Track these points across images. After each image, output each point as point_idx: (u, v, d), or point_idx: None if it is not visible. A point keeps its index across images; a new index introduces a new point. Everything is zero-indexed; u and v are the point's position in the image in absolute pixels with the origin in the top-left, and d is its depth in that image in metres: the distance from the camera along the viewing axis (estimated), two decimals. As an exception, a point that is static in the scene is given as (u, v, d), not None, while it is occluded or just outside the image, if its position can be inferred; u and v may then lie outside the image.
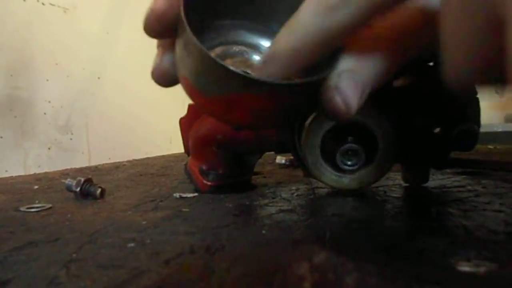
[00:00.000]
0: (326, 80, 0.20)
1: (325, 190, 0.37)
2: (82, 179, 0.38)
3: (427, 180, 0.37)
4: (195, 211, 0.31)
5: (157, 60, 0.23)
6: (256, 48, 0.26)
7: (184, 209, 0.32)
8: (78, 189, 0.38)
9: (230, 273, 0.18)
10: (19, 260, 0.21)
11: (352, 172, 0.32)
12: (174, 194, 0.38)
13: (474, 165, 0.44)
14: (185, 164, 0.43)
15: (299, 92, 0.20)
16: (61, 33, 0.98)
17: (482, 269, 0.17)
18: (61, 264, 0.20)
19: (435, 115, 0.33)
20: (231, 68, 0.18)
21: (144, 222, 0.28)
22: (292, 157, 0.45)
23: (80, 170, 0.68)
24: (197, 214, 0.30)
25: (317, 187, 0.38)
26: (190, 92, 0.21)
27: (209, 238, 0.23)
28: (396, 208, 0.29)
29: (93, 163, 0.87)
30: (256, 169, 0.45)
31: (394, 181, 0.39)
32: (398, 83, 0.33)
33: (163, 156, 0.93)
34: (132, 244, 0.23)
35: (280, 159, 0.60)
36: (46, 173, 0.67)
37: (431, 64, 0.31)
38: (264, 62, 0.20)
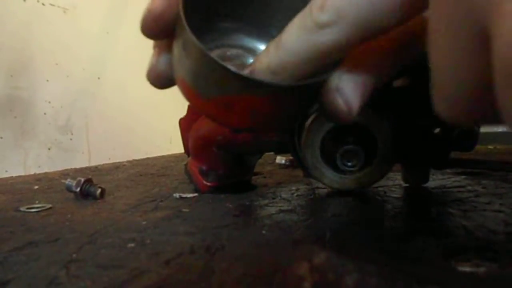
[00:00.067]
0: (327, 82, 0.20)
1: (325, 190, 0.37)
2: (82, 179, 0.39)
3: (427, 180, 0.37)
4: (195, 211, 0.31)
5: (153, 61, 0.22)
6: (253, 52, 0.26)
7: (184, 209, 0.32)
8: (78, 189, 0.38)
9: (230, 273, 0.18)
10: (19, 260, 0.21)
11: (352, 172, 0.32)
12: (174, 194, 0.38)
13: (474, 165, 0.44)
14: (185, 165, 0.43)
15: (300, 94, 0.20)
16: (61, 33, 0.98)
17: (482, 269, 0.17)
18: (61, 264, 0.20)
19: (435, 115, 0.33)
20: (232, 69, 0.18)
21: (144, 222, 0.28)
22: (292, 158, 0.45)
23: (80, 170, 0.69)
24: (197, 214, 0.30)
25: (317, 188, 0.38)
26: (188, 94, 0.21)
27: (209, 238, 0.23)
28: (396, 209, 0.29)
29: (93, 163, 0.87)
30: (256, 170, 0.45)
31: (394, 181, 0.39)
32: (398, 83, 0.33)
33: (163, 156, 0.93)
34: (132, 244, 0.23)
35: (280, 160, 0.60)
36: (46, 173, 0.68)
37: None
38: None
